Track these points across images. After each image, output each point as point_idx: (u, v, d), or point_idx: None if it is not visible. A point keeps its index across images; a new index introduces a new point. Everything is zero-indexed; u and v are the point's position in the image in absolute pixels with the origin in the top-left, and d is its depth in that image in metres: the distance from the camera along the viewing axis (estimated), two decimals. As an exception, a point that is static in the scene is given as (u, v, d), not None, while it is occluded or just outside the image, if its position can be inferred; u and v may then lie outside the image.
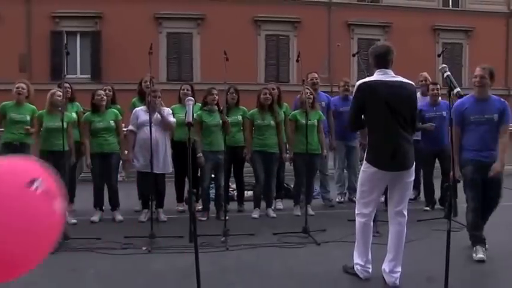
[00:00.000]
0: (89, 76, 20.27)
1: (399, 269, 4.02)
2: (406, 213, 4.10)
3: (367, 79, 4.10)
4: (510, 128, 5.03)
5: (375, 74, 4.05)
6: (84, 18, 20.76)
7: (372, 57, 4.11)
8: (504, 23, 22.91)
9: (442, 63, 3.91)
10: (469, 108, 4.82)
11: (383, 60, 4.04)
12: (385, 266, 4.06)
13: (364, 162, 4.10)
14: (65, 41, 20.83)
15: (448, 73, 3.69)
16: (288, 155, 6.90)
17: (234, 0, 21.29)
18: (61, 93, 5.90)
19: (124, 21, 20.29)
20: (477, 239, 4.82)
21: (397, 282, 3.99)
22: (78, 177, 7.52)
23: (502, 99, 4.96)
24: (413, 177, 4.14)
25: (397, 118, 3.95)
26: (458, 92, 3.59)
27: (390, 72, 4.03)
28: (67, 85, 6.73)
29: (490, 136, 4.78)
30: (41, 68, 19.08)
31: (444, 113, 6.87)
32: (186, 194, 7.08)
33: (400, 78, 4.05)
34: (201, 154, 6.46)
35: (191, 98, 4.02)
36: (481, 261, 4.64)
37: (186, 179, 7.20)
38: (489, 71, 4.81)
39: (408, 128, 4.04)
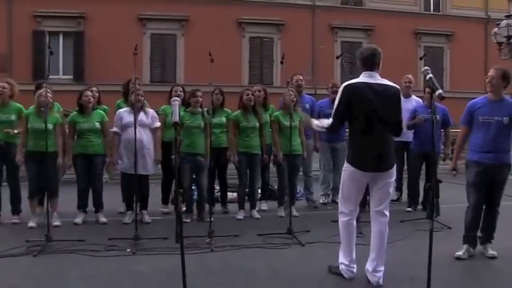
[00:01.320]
0: (71, 77, 20.06)
1: (382, 268, 4.07)
2: (387, 213, 4.15)
3: (352, 81, 4.13)
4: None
5: (361, 76, 4.10)
6: (67, 18, 20.55)
7: (358, 59, 4.15)
8: (483, 28, 23.30)
9: (424, 66, 3.95)
10: (480, 109, 4.83)
11: (369, 62, 4.09)
12: (368, 266, 4.12)
13: (345, 161, 4.16)
14: (48, 41, 20.65)
15: (431, 75, 3.73)
16: (277, 156, 6.89)
17: (218, 2, 21.30)
18: (49, 95, 5.87)
19: (107, 21, 20.14)
20: (469, 239, 4.91)
21: (381, 281, 4.04)
22: (60, 178, 7.45)
23: None
24: (394, 178, 4.20)
25: (380, 120, 4.00)
26: (440, 93, 3.61)
27: (376, 75, 4.08)
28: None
29: (497, 138, 4.77)
30: (23, 68, 18.82)
31: (438, 116, 6.83)
32: (172, 195, 7.06)
33: (385, 81, 4.10)
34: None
35: (177, 98, 4.03)
36: (460, 258, 4.76)
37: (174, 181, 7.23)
38: (502, 73, 4.79)
39: (391, 130, 4.10)
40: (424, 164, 7.26)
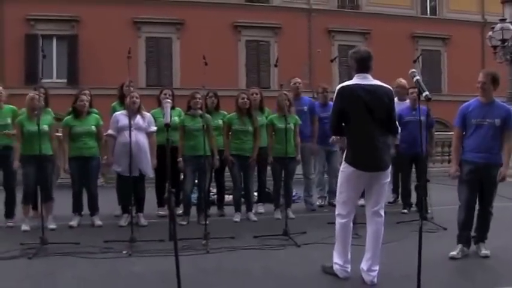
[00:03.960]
0: (65, 80, 19.99)
1: (377, 267, 4.12)
2: (383, 213, 4.21)
3: (346, 83, 4.21)
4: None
5: (355, 78, 4.17)
6: (61, 21, 20.53)
7: (352, 61, 4.22)
8: (479, 31, 23.47)
9: (420, 71, 4.01)
10: (473, 111, 4.93)
11: (363, 65, 4.17)
12: (363, 265, 4.16)
13: (343, 162, 4.22)
14: (41, 45, 20.60)
15: (418, 77, 3.83)
16: (268, 159, 6.93)
17: (213, 5, 21.36)
18: (41, 97, 5.90)
19: (102, 25, 20.13)
20: (463, 239, 4.97)
21: (375, 280, 4.09)
22: (55, 182, 7.45)
23: (507, 106, 5.10)
24: (389, 179, 4.29)
25: (375, 121, 4.07)
26: (426, 95, 3.70)
27: (369, 76, 4.16)
28: (42, 90, 6.70)
29: (490, 140, 4.87)
30: (15, 72, 18.71)
31: (422, 118, 6.92)
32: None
33: (378, 82, 4.17)
34: (180, 159, 6.49)
35: (168, 99, 4.06)
36: (454, 258, 4.82)
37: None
38: (491, 76, 4.90)
39: (385, 131, 4.17)
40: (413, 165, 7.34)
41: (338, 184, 4.32)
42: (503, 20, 13.40)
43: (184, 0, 21.49)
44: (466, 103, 5.10)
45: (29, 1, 19.82)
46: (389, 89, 4.25)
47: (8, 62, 19.66)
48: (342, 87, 4.16)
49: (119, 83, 7.26)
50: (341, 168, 4.26)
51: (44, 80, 19.58)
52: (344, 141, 4.30)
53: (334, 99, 4.21)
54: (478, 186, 4.94)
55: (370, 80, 4.14)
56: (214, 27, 21.07)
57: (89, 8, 20.20)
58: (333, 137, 4.65)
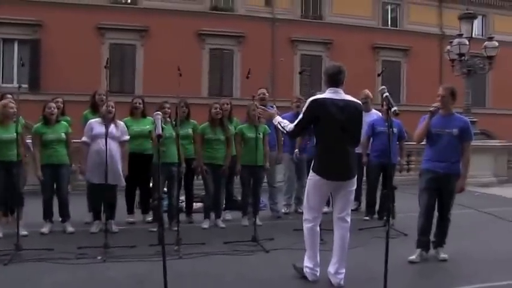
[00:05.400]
0: (27, 86, 19.60)
1: (343, 270, 4.40)
2: (348, 219, 4.50)
3: (318, 96, 4.49)
4: (473, 144, 5.47)
5: (327, 92, 4.46)
6: (23, 25, 20.20)
7: (324, 76, 4.52)
8: (438, 43, 24.30)
9: (381, 81, 4.32)
10: (433, 123, 5.24)
11: (334, 79, 4.46)
12: (331, 268, 4.44)
13: (311, 171, 4.49)
14: (1, 48, 20.21)
15: (387, 94, 4.15)
16: (236, 167, 7.10)
17: (178, 13, 21.43)
18: (13, 105, 5.93)
19: (65, 30, 19.91)
20: (421, 243, 5.30)
21: (342, 282, 4.36)
22: (22, 188, 7.41)
23: (465, 118, 5.50)
24: (355, 186, 4.57)
25: (344, 133, 4.36)
26: (395, 110, 4.02)
27: (340, 91, 4.44)
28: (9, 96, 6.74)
29: (448, 149, 5.20)
30: (-27, 76, 18.33)
31: (395, 130, 7.15)
32: (150, 203, 7.15)
33: (348, 97, 4.46)
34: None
35: (159, 112, 4.24)
36: (413, 262, 5.16)
37: (137, 191, 7.32)
38: (450, 91, 5.26)
39: (353, 143, 4.47)
40: (381, 174, 7.65)
41: (306, 191, 4.60)
42: (460, 35, 14.02)
43: (149, 7, 21.51)
44: (426, 114, 5.36)
45: (-10, 4, 19.44)
46: (359, 103, 4.55)
47: (-35, 65, 19.22)
48: (315, 99, 4.43)
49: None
50: (309, 177, 4.54)
51: (3, 85, 19.37)
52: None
53: (304, 109, 4.48)
54: (437, 195, 5.28)
55: (341, 95, 4.42)
56: (179, 34, 21.16)
57: (52, 12, 19.97)
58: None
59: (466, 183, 5.38)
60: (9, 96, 6.85)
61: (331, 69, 4.51)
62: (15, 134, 5.87)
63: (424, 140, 5.39)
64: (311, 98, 4.47)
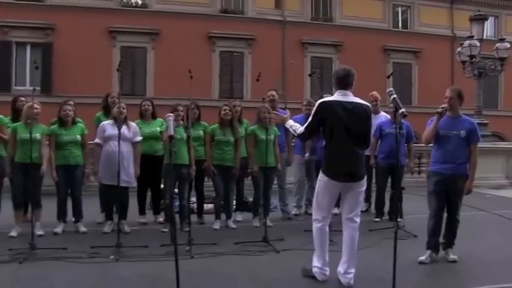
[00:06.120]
0: (39, 88, 19.78)
1: (353, 270, 4.43)
2: (357, 219, 4.55)
3: (327, 98, 4.56)
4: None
5: (335, 94, 4.51)
6: (35, 29, 20.43)
7: (333, 79, 4.58)
8: (449, 45, 24.14)
9: (392, 83, 4.37)
10: (441, 124, 5.26)
11: (343, 82, 4.51)
12: (340, 268, 4.48)
13: (320, 172, 4.55)
14: (15, 52, 20.43)
15: (394, 96, 4.21)
16: (252, 168, 7.14)
17: (188, 16, 21.53)
18: (38, 107, 6.13)
19: (77, 33, 20.09)
20: (431, 245, 5.32)
21: (351, 282, 4.40)
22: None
23: (472, 120, 5.50)
24: (364, 187, 4.63)
25: (352, 135, 4.41)
26: (403, 112, 4.09)
27: (349, 93, 4.49)
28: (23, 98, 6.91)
29: (455, 151, 5.23)
30: (-13, 79, 18.52)
31: (403, 131, 7.17)
32: (162, 203, 7.21)
33: (357, 100, 4.51)
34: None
35: (171, 114, 4.31)
36: (423, 263, 5.17)
37: (148, 192, 7.40)
38: (457, 93, 5.28)
39: (361, 145, 4.52)
40: (390, 176, 7.65)
41: (315, 192, 4.64)
42: (471, 37, 13.97)
43: (159, 10, 21.64)
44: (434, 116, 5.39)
45: (3, 7, 19.68)
46: (368, 105, 4.61)
47: (-21, 69, 19.45)
48: (323, 102, 4.49)
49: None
50: (318, 177, 4.59)
51: (17, 88, 19.61)
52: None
53: (314, 111, 4.53)
54: (445, 196, 5.30)
55: (349, 97, 4.48)
56: (189, 37, 21.26)
57: (64, 16, 20.16)
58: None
59: (473, 185, 5.38)
60: (22, 99, 6.99)
61: (341, 72, 4.57)
62: (37, 134, 6.01)
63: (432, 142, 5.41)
64: (319, 101, 4.54)
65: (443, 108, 5.16)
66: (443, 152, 5.27)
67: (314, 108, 4.54)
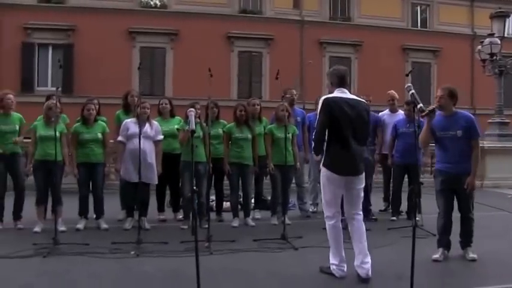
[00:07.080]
0: (60, 89, 20.10)
1: (368, 260, 4.48)
2: (360, 212, 4.67)
3: (329, 95, 4.65)
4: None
5: (335, 92, 4.64)
6: (57, 30, 20.80)
7: (333, 77, 4.70)
8: (469, 44, 23.91)
9: (411, 82, 4.39)
10: (436, 125, 5.25)
11: (343, 80, 4.69)
12: (356, 262, 4.53)
13: (322, 167, 4.62)
14: (37, 53, 20.79)
15: (413, 91, 4.23)
16: (269, 167, 7.18)
17: (207, 16, 21.68)
18: (58, 105, 6.25)
19: (97, 34, 20.39)
20: (442, 243, 5.31)
21: (369, 273, 4.44)
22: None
23: (468, 115, 5.37)
24: (363, 185, 4.70)
25: (353, 131, 4.51)
26: (421, 107, 4.16)
27: (347, 91, 4.65)
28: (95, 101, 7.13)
29: (456, 151, 5.20)
30: (11, 79, 18.81)
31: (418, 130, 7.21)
32: (181, 201, 7.30)
33: (355, 97, 4.69)
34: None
35: (192, 109, 4.41)
36: (436, 261, 5.17)
37: (168, 190, 7.49)
38: (448, 91, 5.27)
39: (361, 140, 4.62)
40: (406, 175, 7.64)
41: (321, 186, 4.73)
42: (491, 35, 13.81)
43: (178, 11, 21.82)
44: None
45: (26, 10, 20.08)
46: (365, 102, 4.78)
47: (4, 70, 19.85)
48: (327, 98, 4.57)
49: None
50: (321, 173, 4.67)
51: (39, 88, 19.96)
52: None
53: (320, 110, 4.58)
54: (453, 195, 5.30)
55: (348, 94, 4.64)
56: (208, 38, 21.40)
57: (85, 17, 20.48)
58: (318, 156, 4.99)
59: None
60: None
61: (340, 71, 4.73)
62: (58, 133, 6.15)
63: None
64: (323, 97, 4.63)
65: (430, 110, 5.02)
66: (445, 152, 5.28)
67: (320, 105, 4.59)
